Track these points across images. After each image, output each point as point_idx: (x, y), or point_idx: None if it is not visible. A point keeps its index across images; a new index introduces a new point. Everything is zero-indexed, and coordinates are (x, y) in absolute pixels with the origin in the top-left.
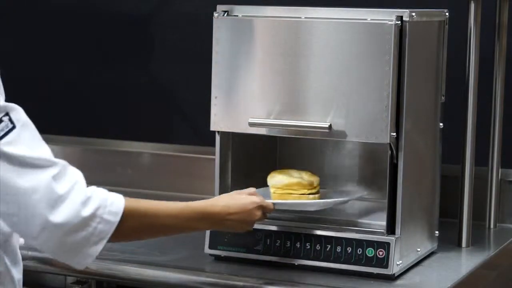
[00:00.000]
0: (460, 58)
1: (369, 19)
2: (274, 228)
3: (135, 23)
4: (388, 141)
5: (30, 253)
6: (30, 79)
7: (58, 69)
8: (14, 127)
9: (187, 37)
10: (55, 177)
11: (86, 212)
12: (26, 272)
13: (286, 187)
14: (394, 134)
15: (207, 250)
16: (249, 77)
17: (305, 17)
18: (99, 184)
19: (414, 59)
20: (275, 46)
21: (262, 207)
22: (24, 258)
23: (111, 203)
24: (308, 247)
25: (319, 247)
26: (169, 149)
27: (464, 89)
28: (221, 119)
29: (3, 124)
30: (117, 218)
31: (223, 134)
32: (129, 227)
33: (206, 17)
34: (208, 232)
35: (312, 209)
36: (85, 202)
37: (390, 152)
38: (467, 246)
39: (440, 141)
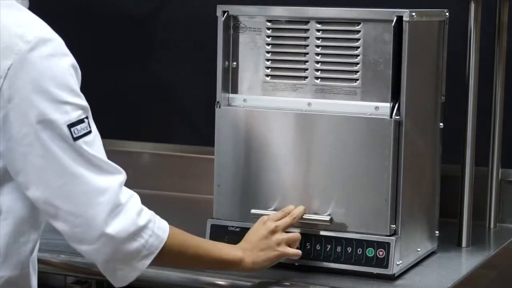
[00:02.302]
0: (460, 58)
1: (369, 113)
2: None
3: (135, 23)
4: (388, 233)
5: None
6: None
7: None
8: (90, 131)
9: (187, 37)
10: (120, 185)
11: (141, 221)
12: None
13: None
14: (394, 226)
15: None
16: (250, 167)
17: (306, 110)
18: None
19: (414, 59)
20: (278, 137)
21: (277, 228)
22: None
23: (159, 220)
24: (308, 247)
25: (319, 247)
26: (169, 149)
27: (464, 89)
28: (223, 207)
29: (83, 124)
30: (165, 235)
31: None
32: (172, 249)
33: (206, 17)
34: (208, 232)
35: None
36: (139, 213)
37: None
38: (467, 246)
39: (440, 141)
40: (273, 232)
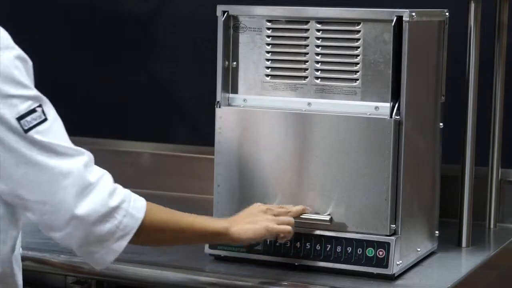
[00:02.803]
0: (460, 58)
1: (368, 113)
2: None
3: (135, 23)
4: (388, 233)
5: (30, 253)
6: None
7: (57, 69)
8: (46, 119)
9: (187, 37)
10: (85, 165)
11: (113, 202)
12: (26, 272)
13: None
14: (394, 226)
15: (207, 250)
16: (250, 167)
17: (306, 110)
18: None
19: (414, 59)
20: (278, 137)
21: (268, 211)
22: (24, 259)
23: (134, 200)
24: (308, 247)
25: (319, 247)
26: (169, 149)
27: (464, 89)
28: (224, 207)
29: (36, 114)
30: (140, 214)
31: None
32: (151, 227)
33: (206, 17)
34: None
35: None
36: (111, 193)
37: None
38: (467, 246)
39: (440, 141)
40: (264, 212)
